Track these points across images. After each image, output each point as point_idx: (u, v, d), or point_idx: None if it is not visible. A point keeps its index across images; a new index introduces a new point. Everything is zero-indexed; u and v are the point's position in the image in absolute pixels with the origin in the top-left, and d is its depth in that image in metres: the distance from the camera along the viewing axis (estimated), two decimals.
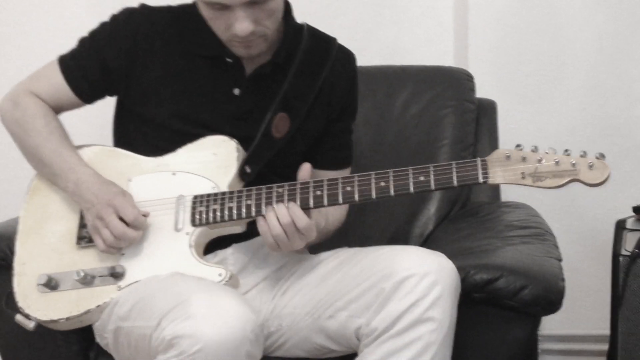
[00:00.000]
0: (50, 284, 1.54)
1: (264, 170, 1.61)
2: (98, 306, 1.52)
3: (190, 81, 1.63)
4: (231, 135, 1.60)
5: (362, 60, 1.79)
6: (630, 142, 2.33)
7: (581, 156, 1.38)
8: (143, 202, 1.56)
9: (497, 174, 1.41)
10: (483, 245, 1.70)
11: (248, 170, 1.59)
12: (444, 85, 2.16)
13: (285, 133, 1.63)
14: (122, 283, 1.52)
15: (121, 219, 1.51)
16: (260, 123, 1.61)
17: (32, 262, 1.59)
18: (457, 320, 1.45)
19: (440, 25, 2.36)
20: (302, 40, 1.66)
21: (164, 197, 1.57)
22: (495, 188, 2.14)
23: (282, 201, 1.48)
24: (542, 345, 2.41)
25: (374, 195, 1.47)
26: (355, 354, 1.49)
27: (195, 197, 1.55)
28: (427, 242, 1.99)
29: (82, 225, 1.59)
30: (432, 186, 1.44)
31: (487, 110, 2.21)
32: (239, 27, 1.49)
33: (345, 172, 1.75)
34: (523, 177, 1.40)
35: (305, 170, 1.52)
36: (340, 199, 1.48)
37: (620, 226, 1.98)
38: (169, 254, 1.53)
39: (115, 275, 1.52)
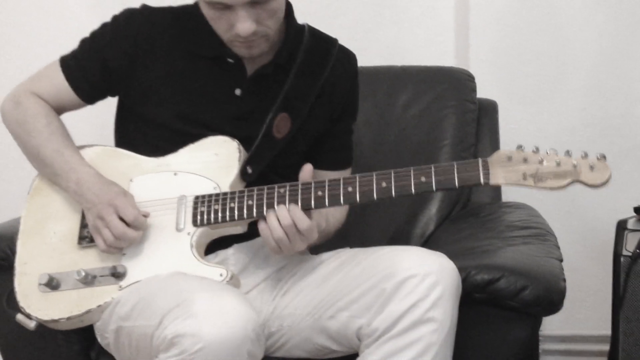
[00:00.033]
0: (52, 284, 1.54)
1: (265, 170, 1.61)
2: (99, 306, 1.52)
3: (192, 81, 1.63)
4: (232, 135, 1.60)
5: (362, 61, 1.79)
6: (630, 142, 2.33)
7: (582, 157, 1.38)
8: (144, 202, 1.56)
9: (498, 175, 1.41)
10: (484, 245, 1.70)
11: (249, 170, 1.59)
12: (444, 85, 2.16)
13: (286, 133, 1.63)
14: (123, 283, 1.52)
15: (122, 219, 1.51)
16: (261, 123, 1.61)
17: (33, 261, 1.59)
18: (458, 320, 1.45)
19: (441, 25, 2.36)
20: (303, 41, 1.66)
21: (165, 197, 1.57)
22: (496, 188, 2.14)
23: (283, 202, 1.48)
24: (543, 346, 2.41)
25: (375, 196, 1.47)
26: (356, 355, 1.49)
27: (197, 197, 1.55)
28: (428, 243, 1.99)
29: (84, 225, 1.59)
30: (434, 187, 1.44)
31: (488, 111, 2.21)
32: (241, 27, 1.49)
33: (346, 173, 1.75)
34: (524, 178, 1.40)
35: (306, 171, 1.52)
36: (342, 200, 1.48)
37: (621, 226, 1.98)
38: (170, 254, 1.53)
39: (117, 275, 1.53)
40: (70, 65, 1.67)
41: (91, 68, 1.65)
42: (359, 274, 1.50)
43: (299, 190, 1.49)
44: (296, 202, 1.48)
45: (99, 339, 1.60)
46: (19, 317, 1.56)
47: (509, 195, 2.18)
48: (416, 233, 2.04)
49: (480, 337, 1.57)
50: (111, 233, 1.51)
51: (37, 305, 1.55)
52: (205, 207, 1.54)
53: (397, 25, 2.37)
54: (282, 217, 1.47)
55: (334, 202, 1.49)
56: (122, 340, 1.50)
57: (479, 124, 2.17)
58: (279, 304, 1.59)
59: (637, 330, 1.96)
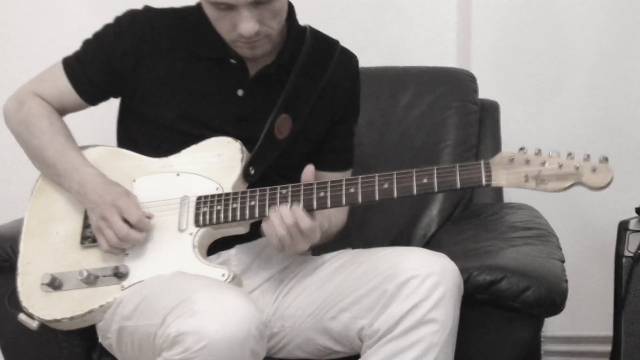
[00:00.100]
0: (54, 284, 1.54)
1: (267, 171, 1.61)
2: (101, 306, 1.52)
3: (194, 82, 1.63)
4: (234, 136, 1.60)
5: (364, 62, 1.80)
6: (632, 143, 2.32)
7: (585, 160, 1.38)
8: (147, 202, 1.56)
9: (500, 177, 1.41)
10: (486, 246, 1.70)
11: (252, 171, 1.59)
12: (446, 86, 2.16)
13: (287, 134, 1.63)
14: (125, 283, 1.53)
15: (125, 220, 1.51)
16: (263, 124, 1.62)
17: (36, 261, 1.59)
18: (459, 321, 1.45)
19: (443, 25, 2.36)
20: (305, 42, 1.67)
21: (167, 197, 1.57)
22: (498, 189, 2.14)
23: (285, 202, 1.49)
24: (545, 347, 2.41)
25: (377, 196, 1.47)
26: (358, 355, 1.49)
27: (199, 197, 1.56)
28: (429, 244, 1.99)
29: (86, 225, 1.59)
30: (435, 188, 1.44)
31: (489, 111, 2.21)
32: (244, 27, 1.49)
33: (347, 174, 1.75)
34: (526, 180, 1.40)
35: (308, 172, 1.52)
36: (344, 201, 1.48)
37: (623, 227, 1.98)
38: (173, 254, 1.53)
39: (119, 275, 1.53)
40: (74, 67, 1.67)
41: (94, 70, 1.66)
42: (360, 275, 1.50)
43: (301, 191, 1.49)
44: (298, 203, 1.48)
45: (100, 340, 1.60)
46: (22, 317, 1.56)
47: (511, 196, 2.18)
48: (418, 234, 2.04)
49: (482, 338, 1.57)
50: (114, 234, 1.51)
51: (39, 305, 1.55)
52: (207, 208, 1.54)
53: (399, 26, 2.37)
54: (285, 216, 1.47)
55: (336, 202, 1.49)
56: (124, 340, 1.50)
57: (480, 124, 2.17)
58: (281, 304, 1.59)
59: (639, 331, 1.96)
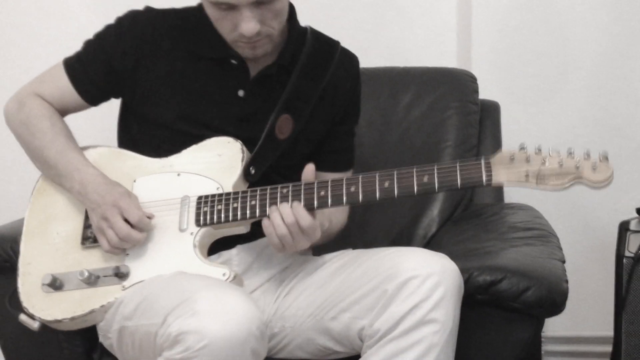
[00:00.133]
0: (55, 284, 1.54)
1: (268, 171, 1.61)
2: (102, 306, 1.52)
3: (195, 83, 1.63)
4: (235, 136, 1.61)
5: (364, 62, 1.80)
6: (633, 143, 2.32)
7: (585, 158, 1.38)
8: (148, 202, 1.57)
9: (500, 175, 1.41)
10: (486, 246, 1.70)
11: (252, 171, 1.59)
12: (447, 86, 2.16)
13: (288, 134, 1.64)
14: (126, 283, 1.53)
15: (126, 220, 1.51)
16: (264, 124, 1.62)
17: (36, 262, 1.59)
18: (460, 321, 1.45)
19: (443, 26, 2.36)
20: (305, 43, 1.67)
21: (168, 197, 1.57)
22: (499, 189, 2.14)
23: (286, 201, 1.49)
24: (546, 347, 2.41)
25: (377, 196, 1.47)
26: (358, 356, 1.49)
27: (200, 197, 1.56)
28: (430, 244, 1.99)
29: (87, 225, 1.59)
30: (436, 187, 1.44)
31: (490, 112, 2.21)
32: (245, 26, 1.50)
33: (347, 175, 1.75)
34: (527, 178, 1.40)
35: (309, 171, 1.52)
36: (345, 200, 1.48)
37: (623, 227, 1.98)
38: (173, 254, 1.53)
39: (120, 275, 1.53)
40: (75, 67, 1.68)
41: (95, 70, 1.66)
42: (361, 275, 1.50)
43: (302, 190, 1.50)
44: (299, 201, 1.48)
45: (101, 340, 1.60)
46: (22, 317, 1.56)
47: (511, 196, 2.18)
48: (418, 234, 2.04)
49: (482, 339, 1.57)
50: (115, 234, 1.51)
51: (40, 305, 1.55)
52: (208, 208, 1.54)
53: (399, 26, 2.38)
54: (286, 214, 1.47)
55: (337, 202, 1.49)
56: (125, 340, 1.50)
57: (481, 125, 2.17)
58: (282, 304, 1.60)
59: (639, 331, 1.96)
